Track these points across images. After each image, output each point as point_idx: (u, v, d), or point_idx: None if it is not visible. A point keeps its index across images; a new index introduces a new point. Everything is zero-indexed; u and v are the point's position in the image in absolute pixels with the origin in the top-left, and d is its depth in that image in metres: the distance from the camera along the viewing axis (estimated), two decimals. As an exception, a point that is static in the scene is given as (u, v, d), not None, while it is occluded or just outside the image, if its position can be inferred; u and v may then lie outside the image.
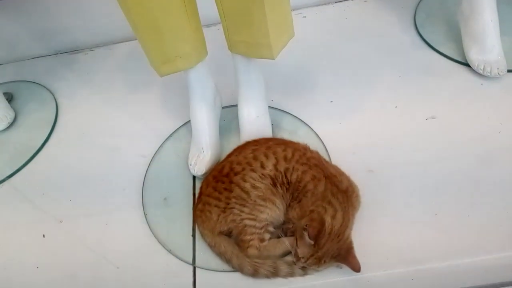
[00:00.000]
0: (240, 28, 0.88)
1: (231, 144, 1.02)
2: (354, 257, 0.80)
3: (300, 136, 1.07)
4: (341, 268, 0.84)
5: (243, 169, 0.88)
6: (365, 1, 1.42)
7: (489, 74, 1.10)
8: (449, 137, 1.02)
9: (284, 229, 0.88)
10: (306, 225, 0.79)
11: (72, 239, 0.99)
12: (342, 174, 0.91)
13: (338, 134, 1.07)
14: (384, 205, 0.92)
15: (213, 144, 1.03)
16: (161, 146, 1.13)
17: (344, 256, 0.80)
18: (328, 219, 0.81)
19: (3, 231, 1.04)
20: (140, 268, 0.92)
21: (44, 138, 1.21)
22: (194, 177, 1.04)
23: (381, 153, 1.01)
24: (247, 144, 0.96)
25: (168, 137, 1.14)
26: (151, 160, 1.10)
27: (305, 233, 0.79)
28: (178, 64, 0.92)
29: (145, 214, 1.00)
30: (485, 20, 1.08)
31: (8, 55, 1.48)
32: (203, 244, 0.91)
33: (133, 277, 0.91)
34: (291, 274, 0.84)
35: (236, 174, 0.88)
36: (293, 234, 0.85)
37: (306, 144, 0.95)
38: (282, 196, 0.88)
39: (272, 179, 0.87)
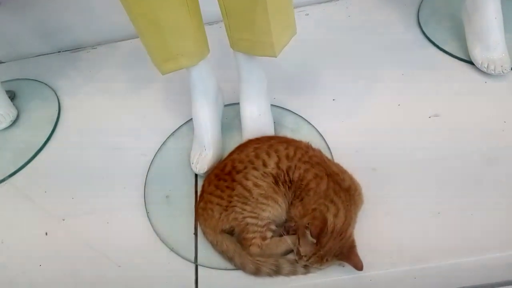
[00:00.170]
0: (242, 26, 0.87)
1: (233, 142, 1.02)
2: (357, 255, 0.80)
3: (302, 134, 1.06)
4: (343, 266, 0.84)
5: (245, 167, 0.88)
6: (368, -1, 1.41)
7: (493, 72, 1.09)
8: (453, 135, 1.02)
9: (286, 227, 0.88)
10: (308, 224, 0.79)
11: (75, 237, 0.99)
12: (344, 172, 0.90)
13: (341, 132, 1.07)
14: (387, 204, 0.92)
15: (215, 142, 1.02)
16: (163, 144, 1.13)
17: (347, 254, 0.80)
18: (330, 218, 0.81)
19: (6, 229, 1.04)
20: (142, 266, 0.92)
21: (47, 136, 1.21)
22: (196, 175, 1.04)
23: (383, 151, 1.01)
24: (249, 142, 0.96)
25: (170, 135, 1.14)
26: (153, 158, 1.10)
27: (307, 232, 0.79)
28: (180, 62, 0.92)
29: (147, 212, 1.00)
30: (489, 18, 1.08)
31: (11, 53, 1.49)
32: (205, 242, 0.91)
33: (135, 275, 0.91)
34: (293, 273, 0.84)
35: (238, 172, 0.88)
36: (295, 232, 0.85)
37: (308, 142, 0.94)
38: (284, 194, 0.88)
39: (274, 177, 0.87)
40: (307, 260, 0.81)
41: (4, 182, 1.13)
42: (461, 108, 1.07)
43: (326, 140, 1.05)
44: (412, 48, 1.24)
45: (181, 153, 1.09)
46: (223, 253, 0.88)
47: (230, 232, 0.88)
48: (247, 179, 0.86)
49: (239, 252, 0.86)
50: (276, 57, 0.88)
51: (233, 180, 0.87)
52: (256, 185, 0.86)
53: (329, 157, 1.00)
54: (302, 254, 0.81)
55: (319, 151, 0.93)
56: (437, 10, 1.32)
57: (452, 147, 1.00)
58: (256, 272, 0.85)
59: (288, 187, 0.88)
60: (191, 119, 1.06)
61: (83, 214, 1.03)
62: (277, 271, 0.84)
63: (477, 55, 1.11)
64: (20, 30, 1.43)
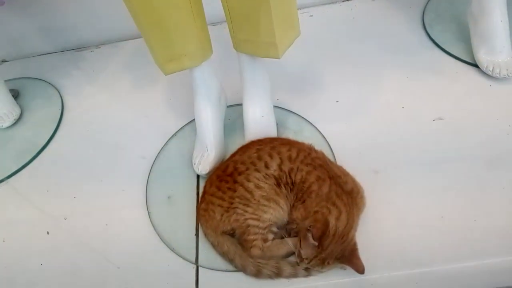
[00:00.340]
0: (246, 27, 0.87)
1: (236, 144, 1.01)
2: (358, 258, 0.80)
3: (305, 136, 1.06)
4: (345, 269, 0.83)
5: (247, 169, 0.88)
6: (373, 0, 1.40)
7: (498, 76, 1.08)
8: (457, 139, 1.01)
9: (287, 229, 0.87)
10: (310, 226, 0.79)
11: (76, 236, 0.99)
12: (347, 174, 0.90)
13: (344, 134, 1.06)
14: (389, 207, 0.91)
15: (217, 143, 1.02)
16: (165, 144, 1.13)
17: (348, 257, 0.80)
18: (332, 220, 0.80)
19: (7, 227, 1.04)
20: (142, 266, 0.92)
21: (50, 135, 1.22)
22: (198, 176, 1.04)
23: (387, 154, 1.00)
24: (252, 143, 0.96)
25: (172, 135, 1.14)
26: (155, 159, 1.10)
27: (309, 234, 0.79)
28: (183, 62, 0.92)
29: (149, 213, 1.00)
30: (494, 21, 1.07)
31: (15, 52, 1.49)
32: (206, 244, 0.91)
33: (136, 275, 0.91)
34: (294, 275, 0.84)
35: (240, 173, 0.88)
36: (296, 234, 0.85)
37: (311, 144, 0.94)
38: (286, 196, 0.87)
39: (276, 179, 0.87)
40: (308, 263, 0.81)
41: (7, 181, 1.14)
42: (466, 112, 1.06)
43: (329, 142, 1.05)
44: (417, 50, 1.23)
45: (183, 154, 1.08)
46: (224, 255, 0.88)
47: (231, 234, 0.88)
48: (249, 180, 0.86)
49: (240, 253, 0.86)
50: (279, 58, 0.88)
51: (235, 182, 0.87)
52: (258, 186, 0.85)
53: (332, 159, 0.99)
54: (303, 257, 0.81)
55: (322, 153, 0.93)
56: (442, 12, 1.31)
57: (456, 151, 0.99)
58: (257, 274, 0.84)
59: (290, 189, 0.87)
60: (194, 119, 1.06)
61: (85, 213, 1.03)
62: (278, 274, 0.84)
63: (482, 58, 1.10)
64: (24, 29, 1.44)
